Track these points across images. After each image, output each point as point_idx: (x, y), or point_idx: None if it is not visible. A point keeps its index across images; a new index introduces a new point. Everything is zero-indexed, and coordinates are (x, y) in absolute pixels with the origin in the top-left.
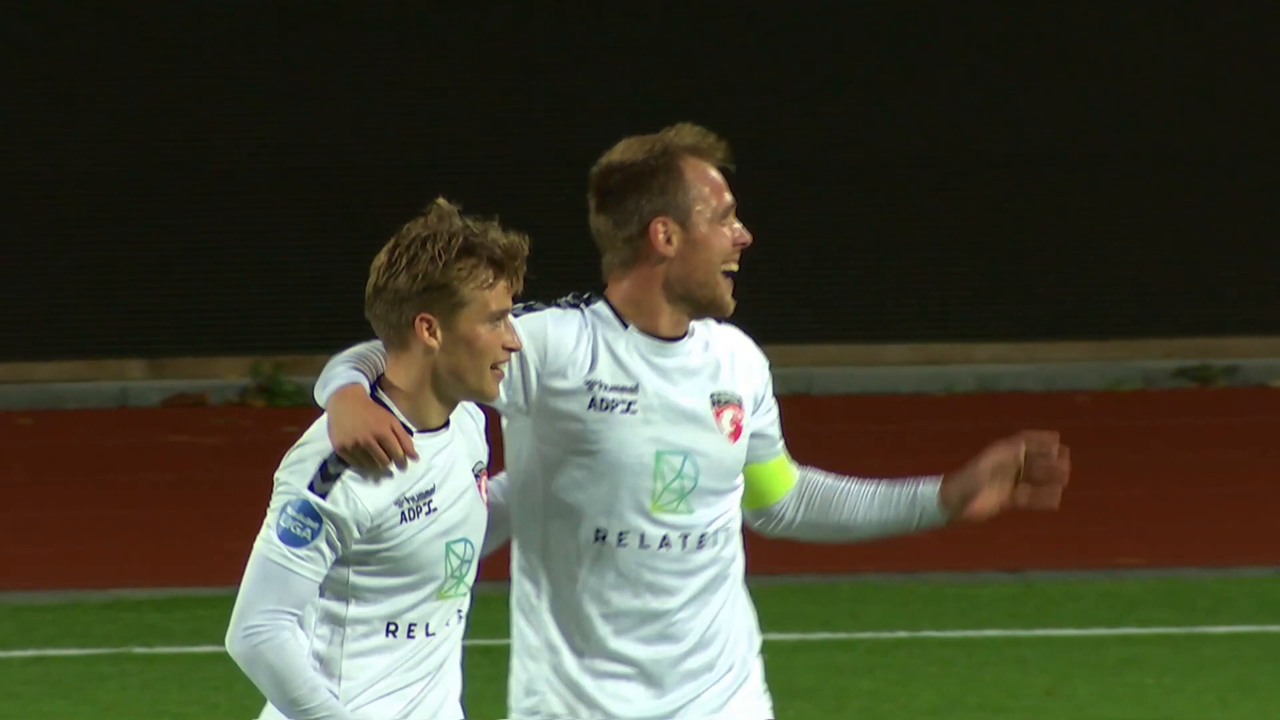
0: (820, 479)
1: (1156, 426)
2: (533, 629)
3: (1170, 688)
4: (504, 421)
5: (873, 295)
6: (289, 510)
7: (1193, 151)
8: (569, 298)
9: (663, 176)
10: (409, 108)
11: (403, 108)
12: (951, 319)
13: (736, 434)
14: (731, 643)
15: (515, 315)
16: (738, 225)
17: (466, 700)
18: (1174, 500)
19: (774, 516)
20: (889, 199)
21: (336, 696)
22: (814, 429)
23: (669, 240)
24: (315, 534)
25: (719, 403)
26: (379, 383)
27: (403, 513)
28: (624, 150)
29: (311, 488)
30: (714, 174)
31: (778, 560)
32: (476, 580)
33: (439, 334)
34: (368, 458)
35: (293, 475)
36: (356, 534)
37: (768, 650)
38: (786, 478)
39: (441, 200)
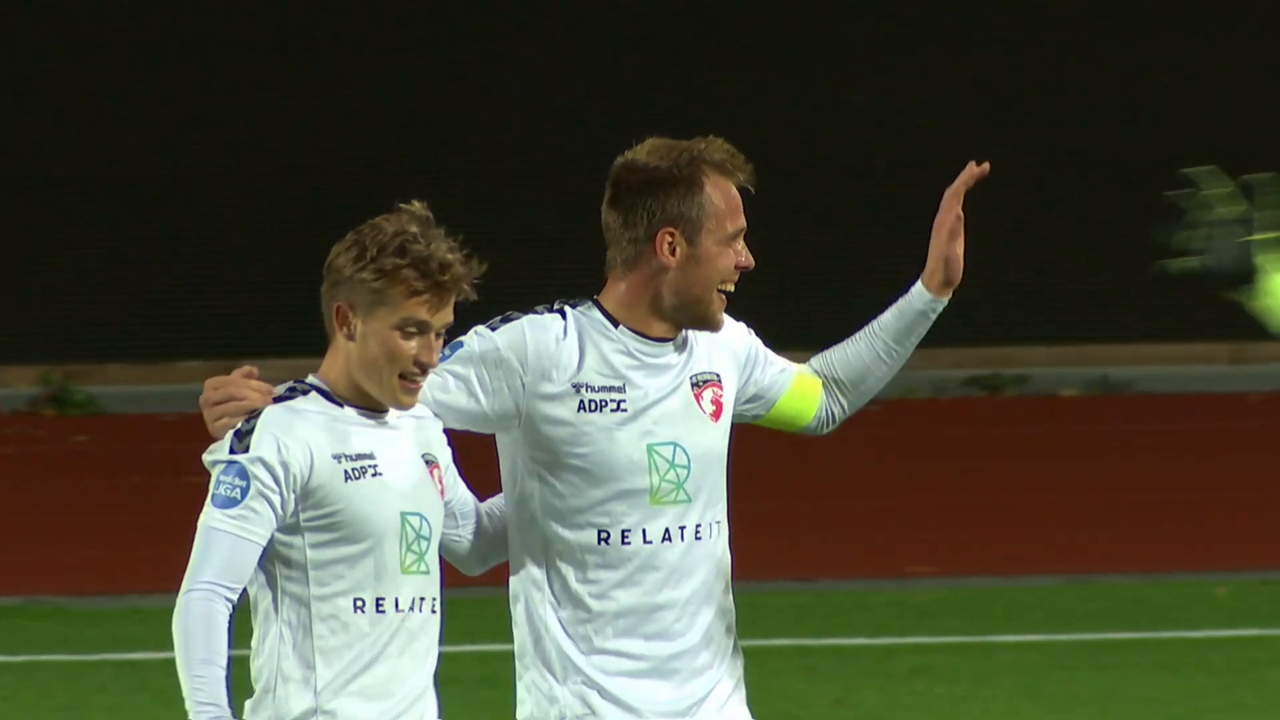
0: (834, 358)
1: (947, 435)
2: (545, 638)
3: (960, 696)
4: (497, 438)
5: None
6: (218, 477)
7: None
8: (548, 304)
9: (683, 187)
10: (185, 117)
11: (181, 117)
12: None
13: (718, 413)
14: (725, 639)
15: (493, 328)
16: (743, 248)
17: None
18: (964, 509)
19: (824, 420)
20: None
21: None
22: None
23: (673, 251)
24: (245, 492)
25: (697, 384)
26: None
27: (345, 471)
28: (650, 151)
29: (232, 450)
30: (734, 194)
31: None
32: (443, 585)
33: (354, 325)
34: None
35: (214, 451)
36: (294, 483)
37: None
38: (813, 387)
39: (416, 203)
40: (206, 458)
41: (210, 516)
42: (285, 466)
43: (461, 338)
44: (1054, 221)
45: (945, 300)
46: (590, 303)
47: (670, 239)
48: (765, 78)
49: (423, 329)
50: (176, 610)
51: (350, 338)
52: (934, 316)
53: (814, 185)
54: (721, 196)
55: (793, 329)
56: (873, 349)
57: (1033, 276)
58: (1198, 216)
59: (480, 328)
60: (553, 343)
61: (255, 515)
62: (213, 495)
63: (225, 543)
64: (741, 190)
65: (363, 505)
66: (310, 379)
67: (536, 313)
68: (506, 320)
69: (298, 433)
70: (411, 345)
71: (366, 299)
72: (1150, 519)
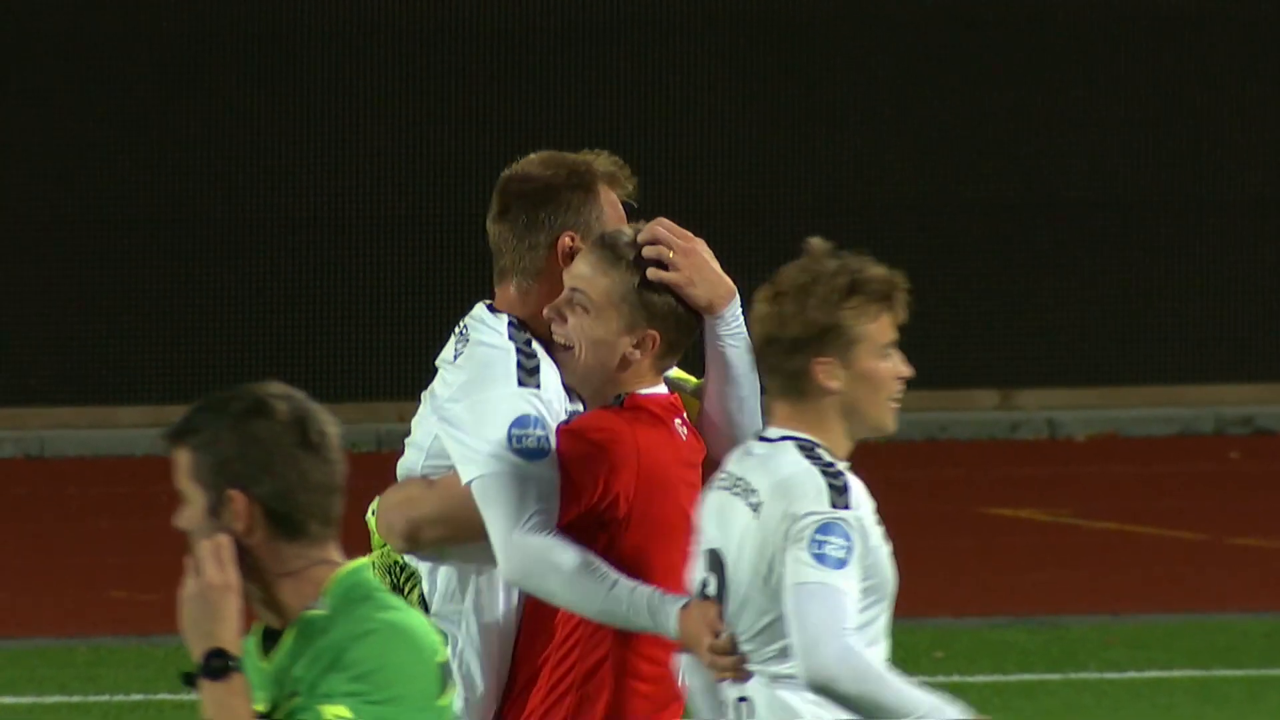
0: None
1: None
2: None
3: None
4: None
5: (107, 357)
6: (823, 536)
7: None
8: (499, 334)
9: (580, 193)
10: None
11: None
12: (182, 381)
13: None
14: None
15: (521, 383)
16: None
17: None
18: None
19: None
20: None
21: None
22: (46, 492)
23: (572, 256)
24: (850, 552)
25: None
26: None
27: (876, 523)
28: (541, 163)
29: (834, 505)
30: (620, 206)
31: (7, 622)
32: None
33: (839, 374)
34: None
35: (804, 500)
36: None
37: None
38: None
39: (816, 240)
40: (800, 508)
41: (827, 575)
42: (864, 532)
43: (527, 410)
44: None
45: (718, 318)
46: (502, 315)
47: (571, 243)
48: (732, 122)
49: (893, 347)
50: (839, 677)
51: (840, 389)
52: (728, 341)
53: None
54: (611, 205)
55: None
56: (722, 405)
57: None
58: None
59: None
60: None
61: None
62: (820, 554)
63: (845, 602)
64: (625, 204)
65: (886, 563)
66: (806, 440)
67: (524, 351)
68: (528, 369)
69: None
70: (891, 365)
71: (841, 345)
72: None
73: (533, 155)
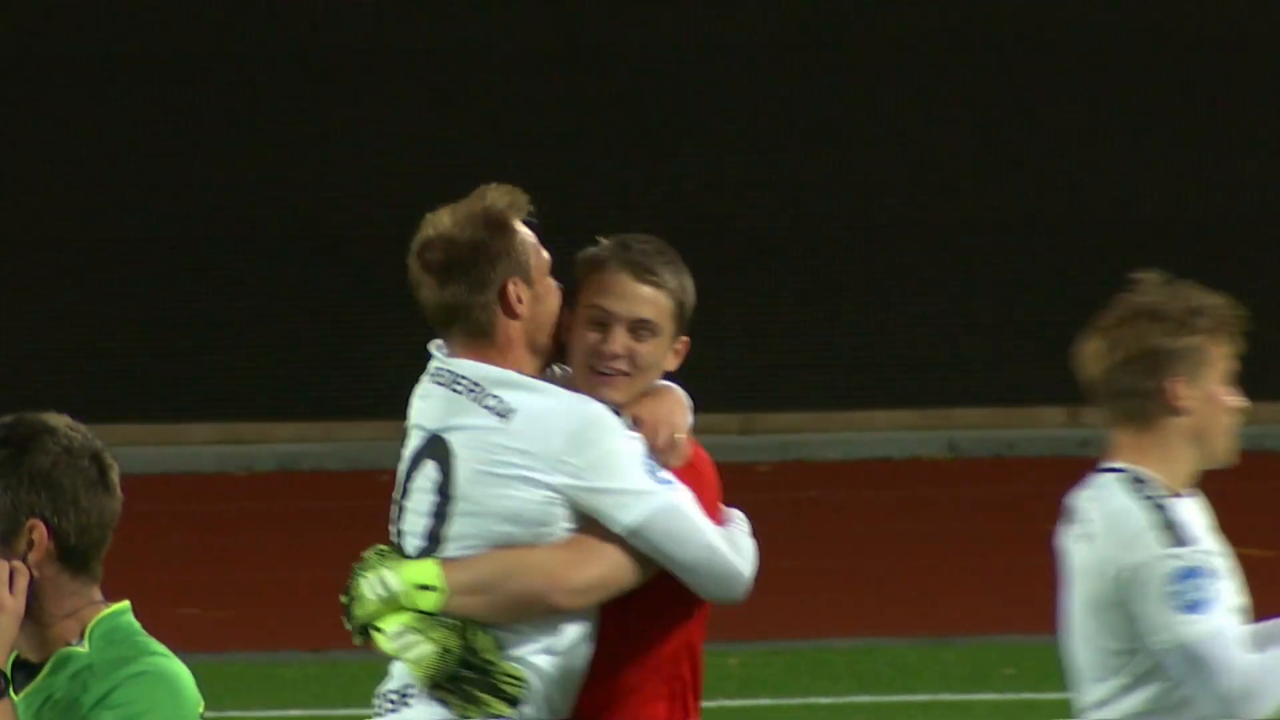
0: None
1: None
2: None
3: None
4: None
5: (176, 375)
6: (1186, 583)
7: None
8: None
9: (504, 239)
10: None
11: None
12: (251, 399)
13: None
14: None
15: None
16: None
17: None
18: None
19: None
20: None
21: None
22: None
23: (520, 299)
24: (1214, 592)
25: None
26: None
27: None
28: (454, 221)
29: (1170, 545)
30: (529, 231)
31: None
32: None
33: (1190, 395)
34: None
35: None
36: None
37: None
38: None
39: (1148, 273)
40: (1169, 564)
41: (1202, 622)
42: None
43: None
44: None
45: None
46: (514, 372)
47: (514, 288)
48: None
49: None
50: (1254, 698)
51: (1186, 411)
52: None
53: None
54: (527, 235)
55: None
56: None
57: None
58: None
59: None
60: None
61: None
62: (1190, 603)
63: (1227, 638)
64: (529, 223)
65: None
66: (1140, 474)
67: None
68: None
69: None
70: (1234, 395)
71: (1193, 363)
72: None
73: (438, 216)
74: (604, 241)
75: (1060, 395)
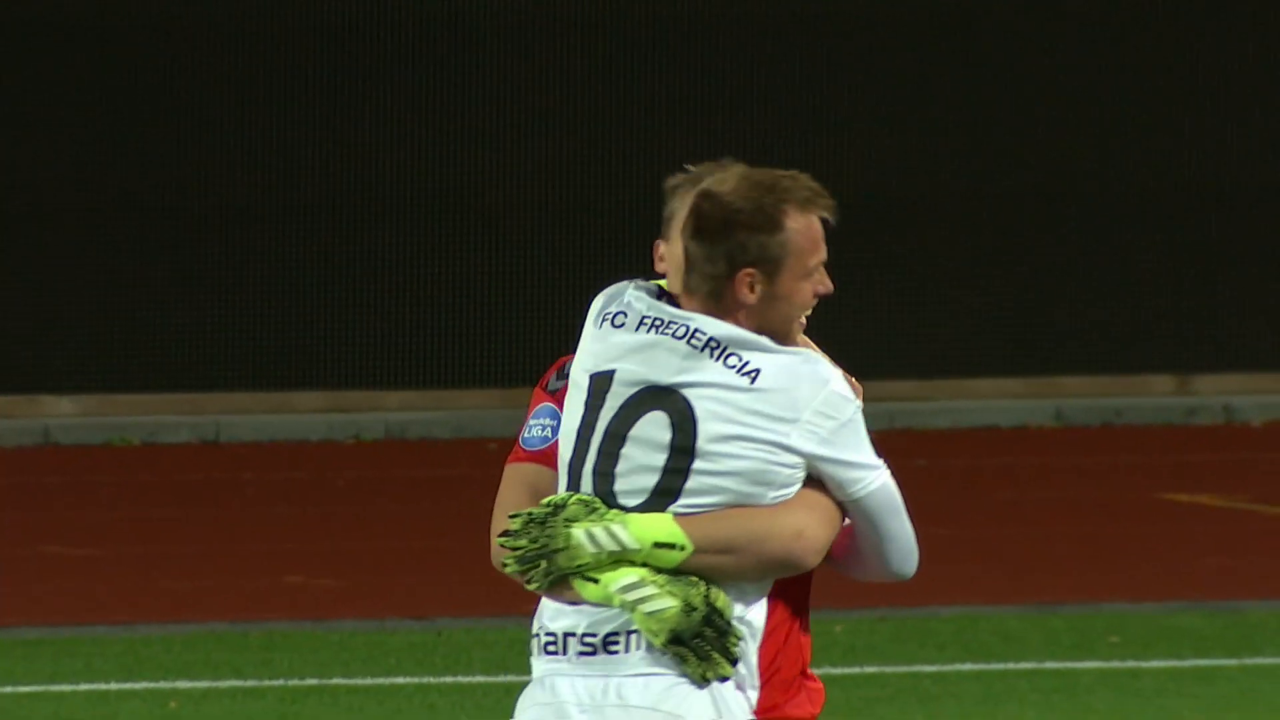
0: None
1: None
2: None
3: None
4: None
5: (283, 343)
6: None
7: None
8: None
9: (766, 230)
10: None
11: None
12: (359, 367)
13: None
14: None
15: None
16: (821, 275)
17: None
18: None
19: None
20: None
21: None
22: (222, 477)
23: (752, 289)
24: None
25: None
26: None
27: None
28: (735, 188)
29: None
30: (815, 228)
31: (183, 607)
32: None
33: None
34: None
35: None
36: None
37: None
38: None
39: None
40: None
41: None
42: None
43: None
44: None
45: None
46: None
47: (750, 279)
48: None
49: None
50: None
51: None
52: None
53: None
54: (802, 233)
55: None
56: None
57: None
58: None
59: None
60: None
61: None
62: None
63: None
64: (824, 222)
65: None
66: None
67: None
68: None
69: None
70: None
71: None
72: None
73: (732, 170)
74: (715, 171)
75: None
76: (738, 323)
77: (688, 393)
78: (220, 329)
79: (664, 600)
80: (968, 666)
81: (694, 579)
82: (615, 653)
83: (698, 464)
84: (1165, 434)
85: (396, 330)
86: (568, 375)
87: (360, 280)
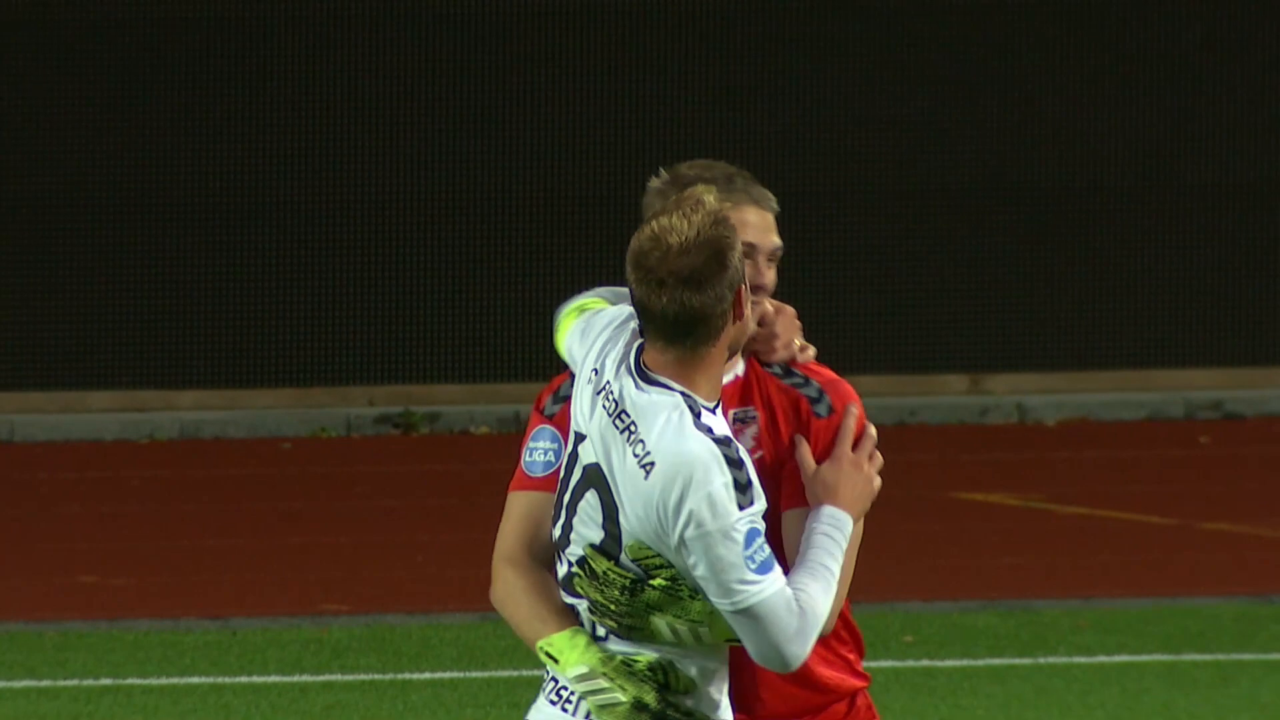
0: None
1: (360, 473)
2: None
3: None
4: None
5: (76, 342)
6: None
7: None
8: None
9: (729, 253)
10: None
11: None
12: (152, 366)
13: None
14: None
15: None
16: (755, 267)
17: None
18: (378, 547)
19: None
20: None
21: None
22: (16, 477)
23: (743, 301)
24: None
25: None
26: None
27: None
28: (682, 221)
29: None
30: (746, 219)
31: None
32: None
33: None
34: None
35: None
36: None
37: None
38: None
39: None
40: None
41: None
42: None
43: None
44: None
45: None
46: (678, 393)
47: (741, 297)
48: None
49: None
50: None
51: None
52: None
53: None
54: (742, 227)
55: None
56: None
57: (439, 317)
58: None
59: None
60: None
61: None
62: None
63: None
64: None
65: None
66: None
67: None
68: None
69: None
70: None
71: None
72: None
73: (661, 217)
74: (670, 176)
75: None
76: (712, 366)
77: (612, 479)
78: (12, 328)
79: (615, 694)
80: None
81: (648, 673)
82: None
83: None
84: (959, 433)
85: (190, 330)
86: (566, 397)
87: (153, 279)
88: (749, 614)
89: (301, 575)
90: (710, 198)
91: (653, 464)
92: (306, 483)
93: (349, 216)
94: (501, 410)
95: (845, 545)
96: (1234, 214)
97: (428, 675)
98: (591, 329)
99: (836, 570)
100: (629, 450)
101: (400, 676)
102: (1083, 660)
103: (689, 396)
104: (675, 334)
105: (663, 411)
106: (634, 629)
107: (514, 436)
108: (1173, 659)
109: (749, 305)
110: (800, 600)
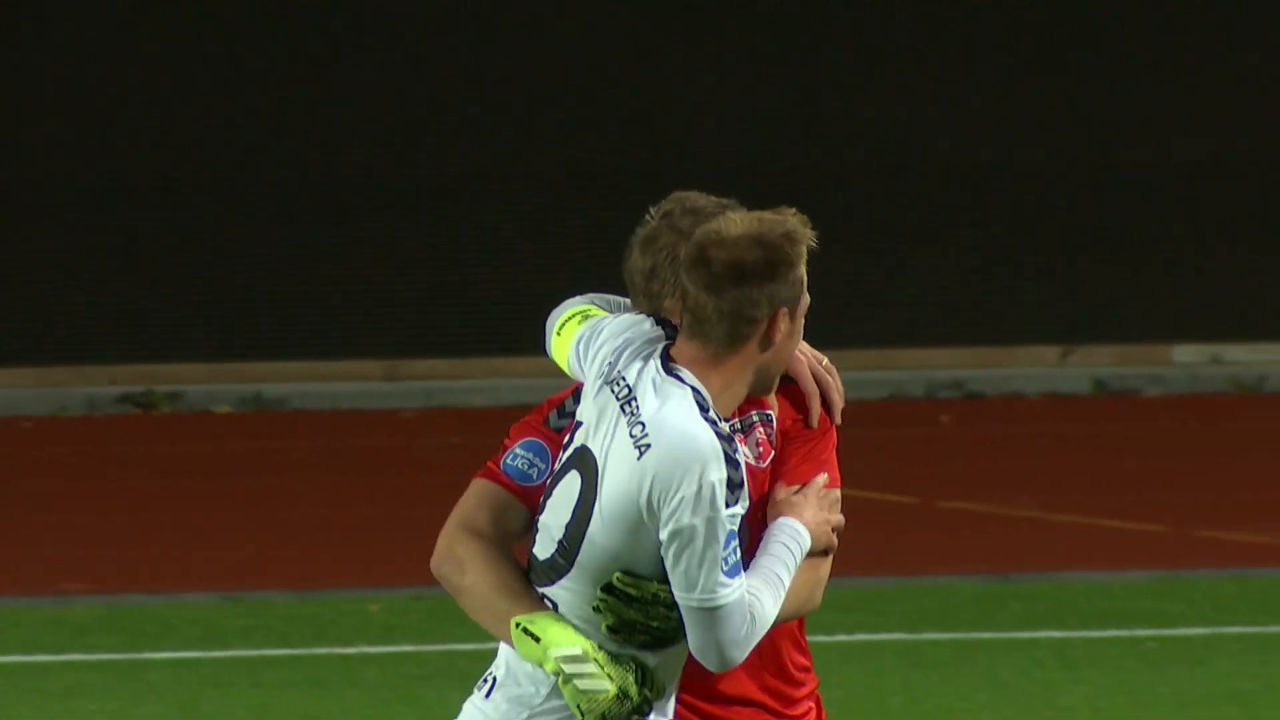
0: None
1: (102, 453)
2: None
3: (114, 714)
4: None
5: None
6: None
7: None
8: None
9: (787, 270)
10: None
11: None
12: None
13: None
14: None
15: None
16: None
17: None
18: (119, 527)
19: None
20: None
21: None
22: None
23: (782, 328)
24: None
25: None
26: None
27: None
28: (750, 239)
29: None
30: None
31: None
32: None
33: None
34: None
35: None
36: None
37: None
38: None
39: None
40: None
41: None
42: None
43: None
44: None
45: None
46: (690, 387)
47: (785, 317)
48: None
49: None
50: None
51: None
52: None
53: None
54: (803, 270)
55: None
56: None
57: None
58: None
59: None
60: None
61: None
62: None
63: None
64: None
65: None
66: None
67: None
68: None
69: None
70: None
71: None
72: (306, 536)
73: (735, 218)
74: (679, 209)
75: None
76: (738, 374)
77: (599, 458)
78: None
79: (601, 682)
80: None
81: (630, 664)
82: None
83: (592, 527)
84: None
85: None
86: (571, 414)
87: None
88: (709, 613)
89: (41, 554)
90: (795, 217)
91: (649, 445)
92: (47, 462)
93: (87, 195)
94: (243, 390)
95: (800, 559)
96: (976, 199)
97: (168, 655)
98: (604, 332)
99: (788, 581)
100: (626, 429)
101: (141, 656)
102: (822, 639)
103: (699, 392)
104: (700, 325)
105: (671, 398)
106: (668, 640)
107: (256, 416)
108: (912, 638)
109: (790, 340)
110: (753, 607)
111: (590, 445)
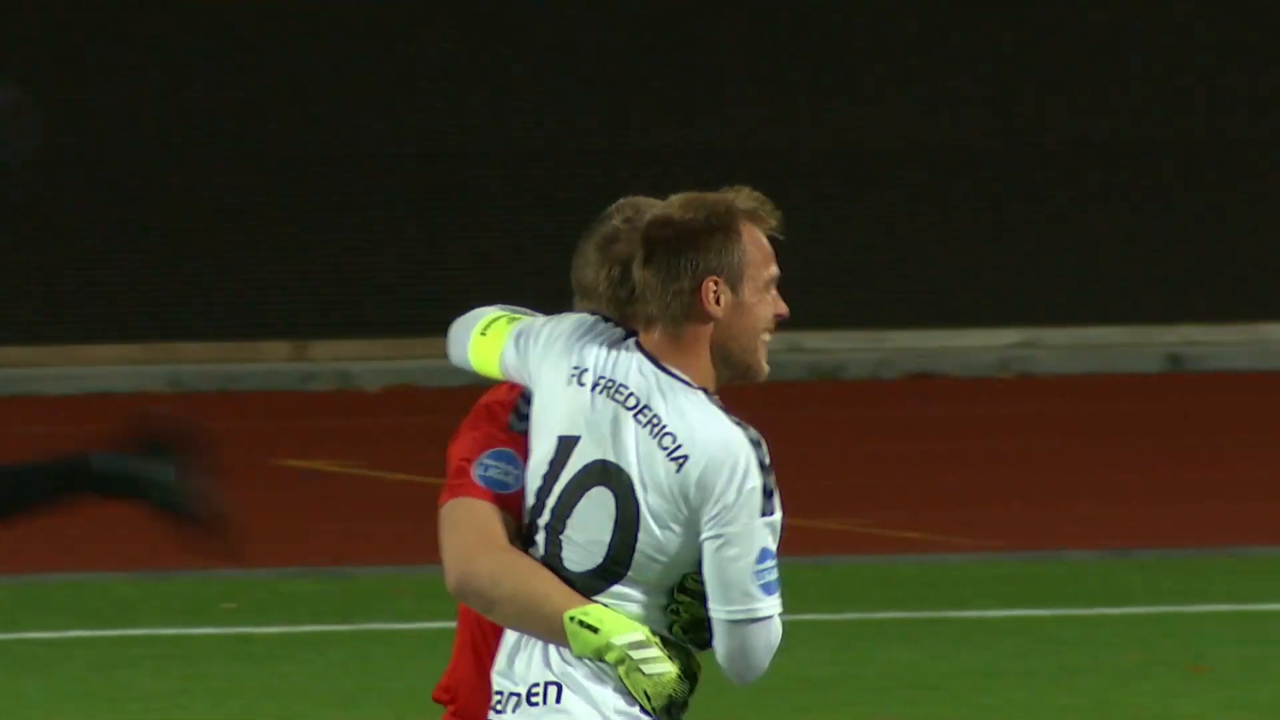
0: None
1: None
2: None
3: None
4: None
5: None
6: None
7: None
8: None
9: (721, 236)
10: None
11: None
12: None
13: None
14: None
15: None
16: (777, 295)
17: None
18: None
19: None
20: None
21: None
22: None
23: (718, 300)
24: None
25: None
26: None
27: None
28: (683, 206)
29: None
30: (765, 242)
31: None
32: None
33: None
34: None
35: None
36: None
37: None
38: None
39: None
40: None
41: None
42: None
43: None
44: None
45: None
46: (655, 362)
47: (715, 286)
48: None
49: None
50: None
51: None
52: None
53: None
54: (756, 243)
55: None
56: None
57: None
58: None
59: None
60: None
61: None
62: None
63: None
64: (770, 238)
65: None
66: None
67: None
68: None
69: None
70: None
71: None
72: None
73: (674, 197)
74: (662, 202)
75: None
76: (696, 354)
77: (630, 472)
78: None
79: (665, 664)
80: (81, 633)
81: (679, 650)
82: (535, 704)
83: (642, 540)
84: (282, 400)
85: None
86: (527, 417)
87: None
88: (742, 629)
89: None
90: (745, 194)
91: (685, 457)
92: None
93: None
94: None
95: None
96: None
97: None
98: (544, 336)
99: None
100: (653, 441)
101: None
102: (401, 626)
103: (705, 391)
104: (645, 305)
105: (690, 404)
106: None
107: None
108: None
109: (742, 316)
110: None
111: (610, 459)
